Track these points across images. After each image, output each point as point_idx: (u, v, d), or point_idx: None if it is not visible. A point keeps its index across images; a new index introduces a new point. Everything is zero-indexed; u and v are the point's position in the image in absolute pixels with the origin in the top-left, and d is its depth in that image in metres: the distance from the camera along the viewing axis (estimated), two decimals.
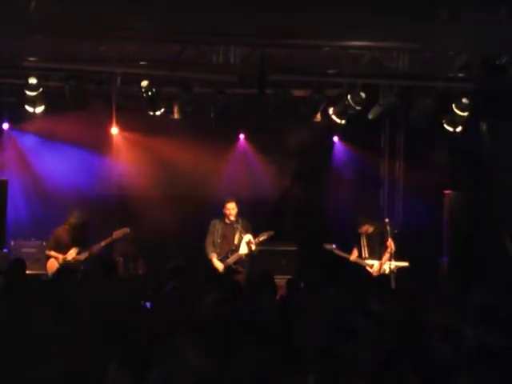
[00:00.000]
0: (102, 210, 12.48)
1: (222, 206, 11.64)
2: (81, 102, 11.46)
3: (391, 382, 4.81)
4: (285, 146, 13.32)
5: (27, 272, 9.74)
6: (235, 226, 11.55)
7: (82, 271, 11.36)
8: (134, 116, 12.32)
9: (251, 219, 11.79)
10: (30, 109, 11.51)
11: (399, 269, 11.96)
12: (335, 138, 14.02)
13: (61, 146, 12.86)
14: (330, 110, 12.00)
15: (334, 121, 12.04)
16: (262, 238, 11.55)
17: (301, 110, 12.02)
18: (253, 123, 12.93)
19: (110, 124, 12.38)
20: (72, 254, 11.53)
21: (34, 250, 12.21)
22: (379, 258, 12.03)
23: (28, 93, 11.27)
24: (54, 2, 9.16)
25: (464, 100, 11.59)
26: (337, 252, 12.21)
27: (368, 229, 12.20)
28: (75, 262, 11.48)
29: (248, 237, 11.53)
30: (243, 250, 11.52)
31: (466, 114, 11.71)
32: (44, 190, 12.99)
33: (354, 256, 12.20)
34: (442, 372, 5.01)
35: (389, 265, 11.94)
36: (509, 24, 9.32)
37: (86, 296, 7.43)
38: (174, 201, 12.97)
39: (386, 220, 12.18)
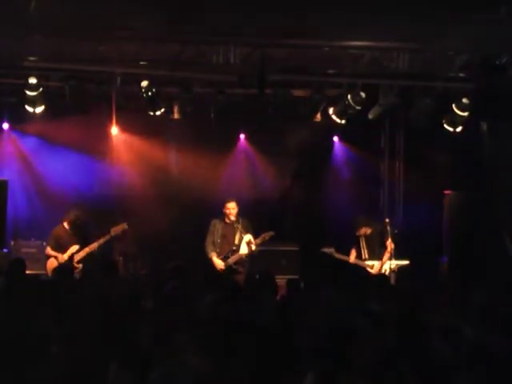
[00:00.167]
0: (101, 210, 12.49)
1: (222, 205, 11.64)
2: (81, 102, 11.46)
3: (391, 382, 4.81)
4: (285, 146, 13.32)
5: (27, 272, 9.74)
6: (235, 225, 11.55)
7: (81, 270, 11.38)
8: (134, 116, 12.32)
9: (251, 219, 11.79)
10: (30, 109, 11.52)
11: (400, 267, 11.96)
12: (335, 138, 14.02)
13: (61, 146, 12.85)
14: (330, 110, 12.01)
15: (334, 121, 12.05)
16: (262, 239, 11.55)
17: (301, 110, 12.03)
18: (253, 123, 12.93)
19: (109, 124, 12.38)
20: (71, 252, 11.52)
21: (34, 250, 12.21)
22: (379, 259, 12.03)
23: (28, 93, 11.27)
24: (54, 2, 9.16)
25: (464, 100, 11.59)
26: (336, 255, 12.19)
27: (366, 231, 12.20)
28: (74, 261, 11.47)
29: (248, 237, 11.52)
30: (243, 250, 11.52)
31: (466, 113, 11.72)
32: (44, 189, 12.99)
33: (353, 257, 12.20)
34: (441, 372, 5.01)
35: (389, 264, 11.95)
36: (509, 24, 9.32)
37: (85, 295, 7.43)
38: (174, 201, 12.96)
39: (386, 220, 12.18)
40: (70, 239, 11.62)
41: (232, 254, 11.53)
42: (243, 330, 5.45)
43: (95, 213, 12.28)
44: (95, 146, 12.88)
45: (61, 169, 13.00)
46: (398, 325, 5.89)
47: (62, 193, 12.76)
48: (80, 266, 11.50)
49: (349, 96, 11.55)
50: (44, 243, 11.92)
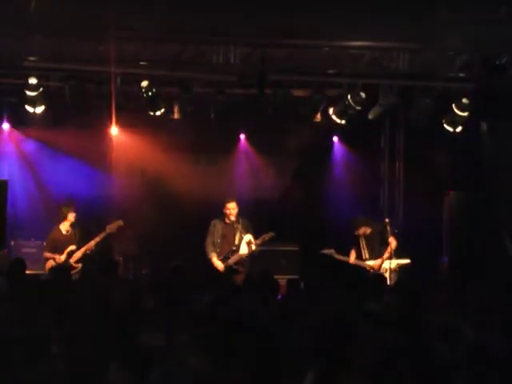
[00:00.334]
0: (101, 210, 12.49)
1: (223, 206, 11.64)
2: (81, 102, 11.46)
3: (391, 382, 4.81)
4: (285, 146, 13.32)
5: (27, 272, 9.74)
6: (235, 226, 11.55)
7: (80, 270, 11.37)
8: (134, 116, 12.32)
9: (251, 219, 11.79)
10: (30, 109, 11.51)
11: (401, 266, 11.96)
12: (335, 138, 14.02)
13: (60, 146, 12.85)
14: (330, 110, 12.00)
15: (334, 121, 12.05)
16: (262, 240, 11.54)
17: (301, 110, 12.02)
18: (253, 123, 12.93)
19: (109, 124, 12.38)
20: (68, 252, 11.51)
21: (33, 250, 12.21)
22: (379, 258, 12.01)
23: (28, 93, 11.27)
24: (54, 2, 9.16)
25: (464, 100, 11.59)
26: (336, 256, 12.18)
27: (366, 231, 12.18)
28: (73, 261, 11.47)
29: (248, 237, 11.52)
30: (244, 250, 11.52)
31: (466, 113, 11.71)
32: (44, 190, 12.98)
33: (353, 257, 12.19)
34: (441, 372, 5.01)
35: (389, 263, 11.92)
36: (509, 24, 9.31)
37: (85, 295, 7.43)
38: (174, 201, 12.96)
39: (386, 220, 12.16)
40: (66, 241, 11.60)
41: (232, 254, 11.52)
42: (243, 329, 5.45)
43: (95, 213, 12.28)
44: (95, 146, 12.87)
45: (60, 169, 13.00)
46: (398, 325, 5.89)
47: (61, 193, 12.75)
48: (79, 265, 11.49)
49: (349, 96, 11.55)
50: (44, 243, 11.91)
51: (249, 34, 10.38)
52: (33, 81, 11.14)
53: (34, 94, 11.27)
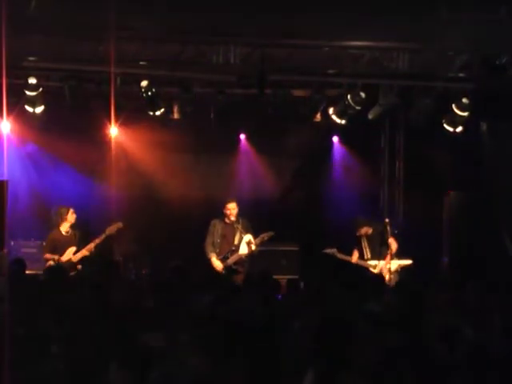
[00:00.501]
0: (101, 211, 12.47)
1: (223, 206, 11.64)
2: (80, 102, 11.46)
3: (391, 382, 4.81)
4: (285, 146, 13.32)
5: (27, 272, 9.73)
6: (235, 226, 11.55)
7: (80, 271, 11.36)
8: (134, 116, 12.32)
9: (251, 219, 11.79)
10: (29, 109, 11.51)
11: (403, 267, 11.94)
12: (335, 138, 14.02)
13: (60, 146, 12.83)
14: (330, 110, 12.00)
15: (334, 121, 12.05)
16: (262, 239, 11.55)
17: (301, 110, 12.03)
18: (253, 123, 12.92)
19: (109, 124, 12.37)
20: (68, 254, 11.50)
21: (34, 250, 12.20)
22: (381, 258, 11.98)
23: (28, 93, 11.27)
24: (54, 1, 9.16)
25: (464, 100, 11.59)
26: (338, 256, 12.17)
27: (367, 230, 12.18)
28: (72, 263, 11.46)
29: (248, 237, 11.53)
30: (243, 250, 11.52)
31: (466, 113, 11.72)
32: (44, 190, 12.97)
33: (355, 257, 12.18)
34: (441, 372, 5.01)
35: (389, 264, 11.91)
36: (509, 24, 9.32)
37: (85, 295, 7.42)
38: (174, 201, 12.96)
39: (386, 220, 12.16)
40: (66, 242, 11.58)
41: (231, 254, 11.53)
42: (243, 329, 5.45)
43: (94, 213, 12.27)
44: (95, 146, 12.86)
45: (60, 169, 12.99)
46: (398, 325, 5.89)
47: (61, 193, 12.75)
48: (79, 266, 11.48)
49: (349, 96, 11.55)
50: (44, 243, 11.91)
51: (249, 33, 10.38)
52: (32, 81, 11.14)
53: (33, 94, 11.27)
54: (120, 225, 11.67)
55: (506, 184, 12.82)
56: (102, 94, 11.44)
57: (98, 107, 11.75)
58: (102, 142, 12.83)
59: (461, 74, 11.31)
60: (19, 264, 9.41)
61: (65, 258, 11.48)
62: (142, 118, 12.18)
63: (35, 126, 12.51)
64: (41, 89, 11.27)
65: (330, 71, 11.48)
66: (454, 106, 11.67)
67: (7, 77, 11.42)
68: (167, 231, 12.73)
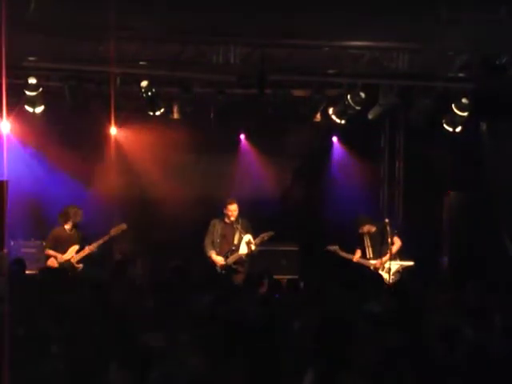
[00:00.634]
0: (101, 210, 12.47)
1: (223, 206, 11.65)
2: (80, 102, 11.45)
3: (391, 382, 4.81)
4: (285, 146, 13.32)
5: (27, 272, 9.73)
6: (235, 225, 11.56)
7: (81, 270, 11.38)
8: (134, 116, 12.32)
9: (251, 219, 11.79)
10: (29, 109, 11.51)
11: (405, 268, 11.93)
12: (335, 138, 14.02)
13: (60, 146, 12.83)
14: (330, 110, 12.00)
15: (334, 121, 12.04)
16: (261, 239, 11.55)
17: (301, 110, 12.02)
18: (253, 123, 12.93)
19: (109, 124, 12.37)
20: (71, 253, 11.52)
21: (33, 250, 12.20)
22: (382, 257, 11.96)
23: (28, 93, 11.27)
24: (54, 1, 9.16)
25: (464, 100, 11.59)
26: (340, 253, 12.18)
27: (370, 228, 12.17)
28: (74, 261, 11.47)
29: (248, 237, 11.53)
30: (243, 250, 11.53)
31: (465, 114, 11.71)
32: (44, 190, 12.97)
33: (357, 256, 12.17)
34: (441, 372, 5.01)
35: (389, 263, 11.89)
36: (509, 24, 9.32)
37: (85, 295, 7.43)
38: (174, 201, 12.95)
39: (386, 220, 12.15)
40: (69, 240, 11.60)
41: (231, 254, 11.54)
42: (243, 329, 5.45)
43: (94, 213, 12.27)
44: (95, 146, 12.87)
45: (60, 168, 12.98)
46: (398, 325, 5.89)
47: (61, 193, 12.75)
48: (80, 266, 11.50)
49: (349, 96, 11.55)
50: (44, 243, 11.91)
51: (249, 33, 10.38)
52: (32, 81, 11.14)
53: (33, 94, 11.27)
54: (124, 226, 11.70)
55: (506, 184, 12.82)
56: (102, 94, 11.44)
57: (98, 107, 11.75)
58: (102, 141, 12.85)
59: (461, 74, 11.31)
60: (19, 264, 9.43)
61: (66, 256, 11.49)
62: (142, 118, 12.18)
63: (35, 126, 12.51)
64: (41, 89, 11.27)
65: (330, 71, 11.48)
66: (453, 105, 11.67)
67: (7, 77, 11.44)
68: (167, 231, 12.73)
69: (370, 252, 12.14)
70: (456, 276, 12.08)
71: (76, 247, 11.53)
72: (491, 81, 11.09)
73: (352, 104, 11.56)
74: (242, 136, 13.82)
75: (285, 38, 10.47)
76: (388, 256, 11.92)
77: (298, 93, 11.87)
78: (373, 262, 12.07)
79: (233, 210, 11.55)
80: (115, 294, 7.36)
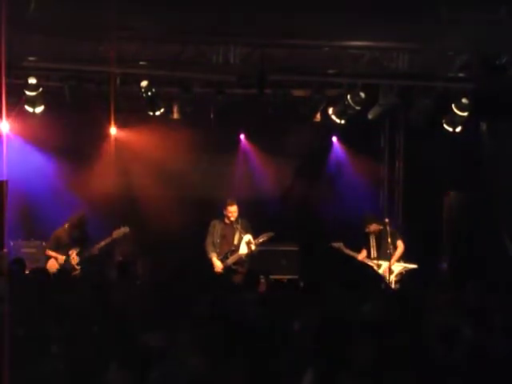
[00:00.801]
0: (101, 211, 12.47)
1: (223, 206, 11.65)
2: (80, 102, 11.45)
3: (391, 382, 4.81)
4: (285, 146, 13.31)
5: (27, 272, 9.73)
6: (235, 226, 11.56)
7: (81, 270, 11.38)
8: (134, 116, 12.31)
9: (251, 219, 11.79)
10: (29, 109, 11.51)
11: (408, 271, 11.90)
12: (334, 138, 14.02)
13: (60, 146, 12.83)
14: (330, 110, 12.01)
15: (334, 121, 12.05)
16: (261, 240, 11.56)
17: (301, 110, 12.02)
18: (253, 123, 12.92)
19: (109, 124, 12.37)
20: (72, 254, 11.51)
21: (33, 250, 12.20)
22: (387, 258, 11.91)
23: (28, 93, 11.27)
24: (54, 2, 9.16)
25: (464, 100, 11.59)
26: (344, 250, 12.15)
27: (376, 228, 12.09)
28: (74, 263, 11.47)
29: (248, 237, 11.53)
30: (243, 250, 11.53)
31: (465, 114, 11.72)
32: (44, 190, 12.96)
33: (362, 255, 12.12)
34: (441, 372, 5.01)
35: (390, 264, 11.87)
36: (509, 24, 9.32)
37: (85, 295, 7.43)
38: (174, 201, 12.95)
39: (386, 220, 12.14)
40: (70, 241, 11.60)
41: (231, 254, 11.54)
42: (243, 329, 5.45)
43: (95, 213, 12.27)
44: (94, 146, 12.87)
45: (60, 169, 12.99)
46: (398, 325, 5.89)
47: (61, 193, 12.75)
48: (81, 268, 11.49)
49: (348, 96, 11.55)
50: (44, 243, 11.91)
51: (249, 33, 10.38)
52: (32, 81, 11.14)
53: (33, 94, 11.27)
54: (127, 230, 11.69)
55: (506, 184, 12.82)
56: (102, 93, 11.44)
57: (98, 107, 11.75)
58: (102, 141, 12.85)
59: (461, 74, 11.31)
60: (19, 264, 9.42)
61: (68, 257, 11.49)
62: (141, 118, 12.18)
63: (35, 126, 12.51)
64: (41, 89, 11.28)
65: (330, 71, 11.48)
66: (453, 105, 11.67)
67: (7, 77, 11.44)
68: (167, 231, 12.72)
69: (374, 252, 12.10)
70: (456, 276, 12.09)
71: (77, 249, 11.53)
72: (491, 81, 11.09)
73: (352, 104, 11.57)
74: (242, 136, 13.82)
75: (285, 37, 10.47)
76: (393, 260, 11.88)
77: (297, 93, 11.87)
78: (376, 262, 12.00)
79: (232, 211, 11.55)
80: (116, 294, 7.36)
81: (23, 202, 12.98)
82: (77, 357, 5.16)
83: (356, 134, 13.17)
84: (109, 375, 4.81)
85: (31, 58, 10.89)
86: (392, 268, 11.87)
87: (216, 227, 11.68)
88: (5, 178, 12.53)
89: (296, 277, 11.84)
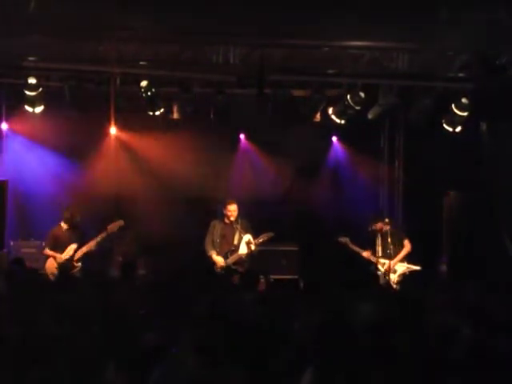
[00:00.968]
0: (101, 211, 12.47)
1: (223, 206, 11.65)
2: (80, 102, 11.46)
3: (391, 382, 4.81)
4: (285, 146, 13.31)
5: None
6: (235, 226, 11.56)
7: (81, 269, 11.37)
8: (134, 116, 12.32)
9: (251, 219, 11.79)
10: (29, 109, 11.51)
11: (411, 272, 11.88)
12: (334, 138, 14.02)
13: (60, 146, 12.84)
14: (330, 110, 12.01)
15: (334, 121, 12.05)
16: (261, 240, 11.55)
17: (301, 110, 12.03)
18: (253, 123, 12.92)
19: (108, 124, 12.38)
20: (69, 252, 11.51)
21: (33, 250, 12.20)
22: (391, 258, 11.91)
23: (27, 93, 11.27)
24: (54, 2, 9.16)
25: (464, 100, 11.59)
26: (350, 245, 12.12)
27: (382, 226, 12.04)
28: (73, 260, 11.47)
29: (248, 237, 11.53)
30: (243, 250, 11.53)
31: (465, 114, 11.72)
32: (43, 189, 12.97)
33: (367, 253, 12.07)
34: (441, 372, 5.00)
35: (390, 265, 11.86)
36: (509, 24, 9.32)
37: (85, 295, 7.42)
38: (174, 201, 12.95)
39: (386, 220, 12.14)
40: (67, 239, 11.59)
41: (231, 254, 11.53)
42: (243, 329, 5.45)
43: (94, 213, 12.27)
44: (94, 146, 12.88)
45: (60, 168, 12.99)
46: (398, 325, 5.89)
47: (61, 193, 12.75)
48: (79, 264, 11.49)
49: (348, 96, 11.56)
50: (43, 243, 11.91)
51: (249, 33, 10.38)
52: (32, 81, 11.15)
53: (33, 93, 11.27)
54: (121, 222, 11.69)
55: (506, 184, 12.81)
56: (102, 93, 11.45)
57: (98, 107, 11.75)
58: (102, 141, 12.85)
59: (460, 74, 11.31)
60: (19, 263, 9.42)
61: (65, 255, 11.48)
62: (141, 118, 12.17)
63: (35, 126, 12.51)
64: (41, 89, 11.28)
65: (330, 71, 11.48)
66: (453, 105, 11.68)
67: (7, 77, 11.47)
68: (167, 231, 12.72)
69: (378, 251, 12.05)
70: (456, 276, 12.09)
71: (74, 246, 11.52)
72: (491, 81, 11.09)
73: (352, 104, 11.57)
74: (242, 136, 13.82)
75: (285, 37, 10.47)
76: (397, 259, 11.87)
77: (297, 93, 11.88)
78: (381, 260, 11.97)
79: (232, 210, 11.55)
80: (116, 294, 7.36)
81: (23, 202, 12.99)
82: (77, 357, 5.16)
83: (356, 134, 13.18)
84: (108, 375, 4.81)
85: (31, 58, 10.89)
86: (395, 268, 11.87)
87: (216, 227, 11.68)
88: (5, 178, 12.56)
89: (296, 277, 11.84)
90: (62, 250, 11.54)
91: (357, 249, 12.12)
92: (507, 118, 12.30)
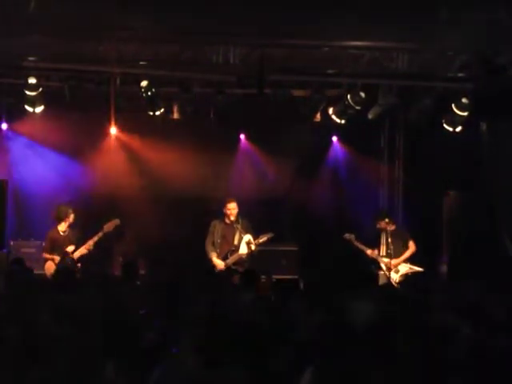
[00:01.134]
0: (101, 211, 12.47)
1: (223, 205, 11.65)
2: (80, 102, 11.46)
3: (391, 382, 4.81)
4: (285, 145, 13.31)
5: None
6: (235, 226, 11.55)
7: (80, 270, 11.37)
8: (134, 116, 12.32)
9: (251, 219, 11.79)
10: (29, 109, 11.52)
11: (413, 273, 11.88)
12: (334, 138, 14.03)
13: (60, 146, 12.85)
14: (330, 110, 12.01)
15: (334, 121, 12.05)
16: (261, 240, 11.55)
17: (301, 110, 12.03)
18: (253, 123, 12.93)
19: (108, 124, 12.38)
20: (68, 253, 11.48)
21: (33, 250, 12.19)
22: (394, 257, 11.89)
23: (28, 93, 11.28)
24: (54, 2, 9.17)
25: (464, 100, 11.60)
26: (355, 243, 12.10)
27: (387, 226, 12.00)
28: (72, 260, 11.46)
29: (248, 237, 11.53)
30: (243, 250, 11.53)
31: (465, 113, 11.72)
32: (43, 189, 12.97)
33: (371, 251, 12.04)
34: (441, 372, 5.01)
35: (391, 263, 11.85)
36: (509, 24, 9.32)
37: (85, 295, 7.42)
38: (174, 201, 12.96)
39: (386, 220, 12.13)
40: (64, 241, 11.56)
41: (231, 255, 11.53)
42: (242, 330, 5.45)
43: (94, 214, 12.27)
44: (94, 146, 12.88)
45: (60, 169, 13.00)
46: (398, 325, 5.89)
47: (61, 193, 12.75)
48: (78, 265, 11.48)
49: (348, 96, 11.56)
50: (43, 243, 11.90)
51: (249, 33, 10.38)
52: (32, 81, 11.15)
53: (33, 93, 11.28)
54: (117, 222, 11.63)
55: (506, 184, 12.82)
56: (102, 93, 11.45)
57: (98, 107, 11.75)
58: (102, 141, 12.85)
59: (460, 74, 11.31)
60: (19, 264, 9.42)
61: (64, 256, 11.46)
62: (141, 118, 12.18)
63: (35, 126, 12.52)
64: (41, 89, 11.28)
65: (330, 71, 11.49)
66: (453, 105, 11.68)
67: (7, 77, 11.47)
68: (167, 231, 12.72)
69: (383, 249, 12.03)
70: (456, 276, 12.09)
71: (72, 247, 11.50)
72: (491, 81, 11.09)
73: (352, 104, 11.57)
74: (242, 136, 13.83)
75: (285, 37, 10.48)
76: (401, 259, 11.87)
77: (297, 93, 11.88)
78: (385, 259, 11.96)
79: (232, 208, 11.54)
80: (116, 294, 7.35)
81: (23, 202, 12.99)
82: (77, 357, 5.16)
83: (356, 134, 13.18)
84: (108, 375, 4.81)
85: (31, 58, 10.89)
86: (398, 268, 11.86)
87: (216, 227, 11.67)
88: (5, 178, 12.57)
89: (296, 277, 11.84)
90: (59, 252, 11.49)
91: (361, 246, 12.10)
92: (507, 117, 12.31)
